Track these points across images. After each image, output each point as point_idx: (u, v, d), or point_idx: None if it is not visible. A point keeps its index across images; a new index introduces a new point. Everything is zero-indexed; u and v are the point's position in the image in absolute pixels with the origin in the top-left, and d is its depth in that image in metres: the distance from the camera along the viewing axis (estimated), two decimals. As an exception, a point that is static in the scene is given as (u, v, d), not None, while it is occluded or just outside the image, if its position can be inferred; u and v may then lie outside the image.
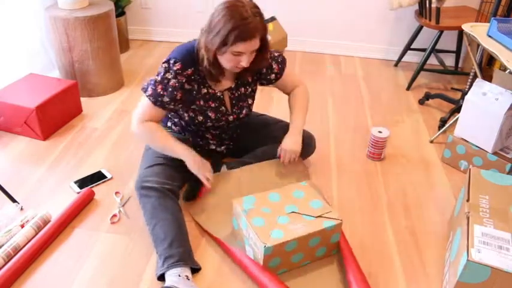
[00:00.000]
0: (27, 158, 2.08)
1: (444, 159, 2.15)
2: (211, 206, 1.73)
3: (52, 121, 2.25)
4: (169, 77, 1.60)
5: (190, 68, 1.61)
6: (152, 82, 1.64)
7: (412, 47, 3.04)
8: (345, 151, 2.21)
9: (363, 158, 2.17)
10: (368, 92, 2.82)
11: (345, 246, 1.56)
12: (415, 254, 1.64)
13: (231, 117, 1.78)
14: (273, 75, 1.80)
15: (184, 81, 1.61)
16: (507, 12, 2.61)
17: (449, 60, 3.19)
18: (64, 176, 1.97)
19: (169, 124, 1.87)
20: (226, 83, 1.72)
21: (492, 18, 1.97)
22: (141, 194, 1.59)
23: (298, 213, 1.54)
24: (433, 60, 3.18)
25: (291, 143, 1.78)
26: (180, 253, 1.46)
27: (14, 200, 1.79)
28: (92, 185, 1.91)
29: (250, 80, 1.78)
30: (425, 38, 3.07)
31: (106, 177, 1.96)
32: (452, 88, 2.87)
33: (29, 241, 1.61)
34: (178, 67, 1.59)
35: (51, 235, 1.62)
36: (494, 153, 1.96)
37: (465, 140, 2.04)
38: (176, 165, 1.69)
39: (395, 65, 3.20)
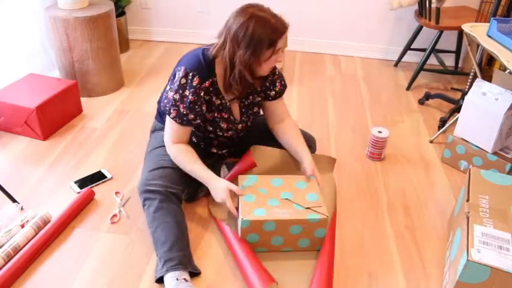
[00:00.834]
0: (27, 158, 2.08)
1: (444, 159, 2.15)
2: None
3: (52, 121, 2.25)
4: (188, 94, 1.57)
5: (208, 80, 1.59)
6: (172, 101, 1.59)
7: (412, 47, 3.04)
8: (345, 151, 2.21)
9: (363, 158, 2.17)
10: (368, 92, 2.82)
11: (327, 245, 1.57)
12: (415, 254, 1.64)
13: (240, 125, 1.78)
14: (273, 93, 1.77)
15: (203, 94, 1.60)
16: (507, 12, 2.61)
17: (449, 60, 3.19)
18: (64, 176, 1.97)
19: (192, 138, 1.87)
20: (236, 91, 1.68)
21: (492, 18, 1.97)
22: (145, 197, 1.59)
23: (291, 201, 1.57)
24: (433, 60, 3.18)
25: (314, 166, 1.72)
26: (180, 257, 1.46)
27: (14, 200, 1.79)
28: (92, 185, 1.91)
29: (258, 89, 1.75)
30: (425, 38, 3.07)
31: (106, 177, 1.96)
32: (452, 88, 2.87)
33: (29, 241, 1.61)
34: (196, 82, 1.56)
35: (51, 235, 1.62)
36: (494, 153, 1.96)
37: (465, 140, 2.04)
38: (180, 169, 1.69)
39: (395, 65, 3.20)
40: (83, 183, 1.92)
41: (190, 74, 1.56)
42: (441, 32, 2.67)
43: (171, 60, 3.16)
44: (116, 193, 1.88)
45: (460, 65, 3.14)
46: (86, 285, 1.48)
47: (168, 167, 1.66)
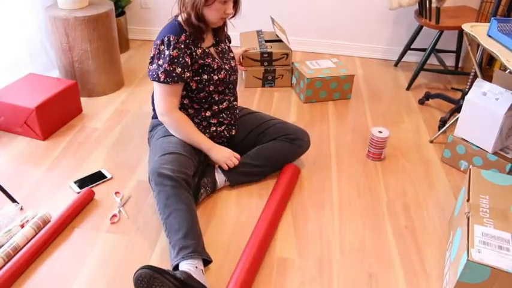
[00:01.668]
0: (27, 158, 2.08)
1: (444, 159, 2.15)
2: None
3: (52, 121, 2.25)
4: (170, 52, 1.69)
5: (182, 34, 1.71)
6: (156, 68, 1.72)
7: (412, 47, 3.04)
8: (345, 151, 2.21)
9: (363, 158, 2.17)
10: (368, 92, 2.82)
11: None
12: (415, 254, 1.64)
13: (226, 66, 1.87)
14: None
15: (183, 47, 1.71)
16: (507, 12, 2.61)
17: (449, 60, 3.19)
18: (64, 176, 1.97)
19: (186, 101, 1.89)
20: (209, 41, 1.84)
21: (492, 18, 1.96)
22: (156, 181, 1.59)
23: None
24: (433, 60, 3.18)
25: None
26: (194, 244, 1.47)
27: (13, 200, 1.79)
28: (92, 185, 1.91)
29: (222, 38, 1.91)
30: (425, 38, 3.07)
31: (106, 177, 1.96)
32: (452, 88, 2.87)
33: (29, 241, 1.61)
34: (172, 39, 1.69)
35: (51, 235, 1.62)
36: (494, 153, 1.95)
37: (465, 140, 2.04)
38: (185, 154, 1.70)
39: (395, 65, 3.20)
40: (82, 183, 1.92)
41: (166, 38, 1.70)
42: (441, 32, 2.67)
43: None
44: (116, 193, 1.88)
45: (460, 65, 3.14)
46: (86, 285, 1.48)
47: (177, 153, 1.68)
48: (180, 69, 1.71)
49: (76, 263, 1.55)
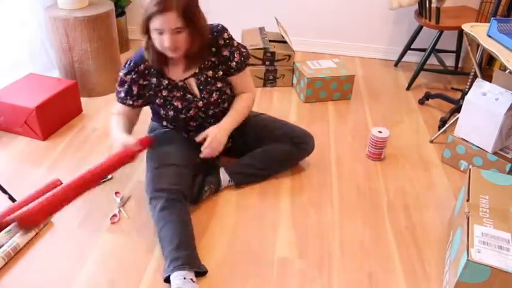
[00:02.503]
0: (27, 158, 2.08)
1: (444, 159, 2.15)
2: None
3: (52, 121, 2.25)
4: (122, 75, 1.71)
5: (143, 63, 1.69)
6: (117, 87, 1.75)
7: (412, 47, 3.04)
8: (345, 151, 2.21)
9: (363, 158, 2.17)
10: (368, 92, 2.82)
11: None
12: (415, 254, 1.64)
13: (200, 102, 1.76)
14: (233, 63, 1.77)
15: (137, 77, 1.70)
16: (507, 12, 2.61)
17: (449, 60, 3.19)
18: (64, 176, 1.96)
19: (164, 123, 1.88)
20: (191, 70, 1.72)
21: (492, 18, 1.96)
22: (152, 194, 1.60)
23: None
24: (433, 60, 3.17)
25: (216, 136, 1.71)
26: (185, 256, 1.46)
27: (13, 200, 1.79)
28: (92, 185, 1.91)
29: (216, 63, 1.75)
30: (425, 38, 3.07)
31: (106, 177, 1.96)
32: (452, 88, 2.87)
33: (29, 241, 1.61)
34: (130, 64, 1.69)
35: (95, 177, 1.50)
36: (494, 153, 1.95)
37: (465, 140, 2.04)
38: (182, 165, 1.70)
39: (395, 65, 3.20)
40: (82, 183, 1.91)
41: (128, 62, 1.71)
42: (441, 32, 2.67)
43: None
44: (116, 193, 1.88)
45: (460, 65, 3.14)
46: (86, 285, 1.48)
47: (174, 165, 1.68)
48: (123, 94, 1.74)
49: (76, 263, 1.55)
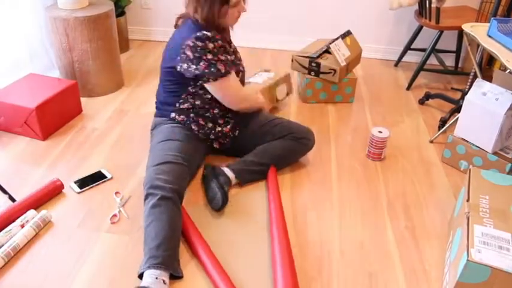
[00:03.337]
0: (27, 157, 2.08)
1: (444, 159, 2.15)
2: None
3: (52, 121, 2.25)
4: (216, 44, 1.72)
5: (215, 32, 1.74)
6: (211, 63, 1.73)
7: (412, 47, 3.04)
8: (345, 151, 2.21)
9: (363, 158, 2.17)
10: (368, 92, 2.82)
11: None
12: (415, 254, 1.64)
13: (243, 65, 1.96)
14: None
15: (221, 41, 1.75)
16: (507, 12, 2.61)
17: (449, 60, 3.19)
18: (64, 176, 1.97)
19: (172, 115, 1.88)
20: (228, 35, 1.91)
21: (492, 18, 1.97)
22: (148, 191, 1.60)
23: None
24: (433, 60, 3.18)
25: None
26: (164, 256, 1.45)
27: (13, 200, 1.79)
28: (92, 185, 1.91)
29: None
30: (425, 38, 3.07)
31: (106, 177, 1.96)
32: (452, 88, 2.87)
33: (29, 241, 1.61)
34: (212, 34, 1.71)
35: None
36: (494, 153, 1.95)
37: (465, 140, 2.04)
38: (184, 163, 1.70)
39: (396, 65, 3.20)
40: (83, 183, 1.92)
41: (203, 34, 1.70)
42: (441, 32, 2.67)
43: (171, 60, 3.16)
44: (116, 193, 1.88)
45: (460, 65, 3.14)
46: (86, 285, 1.48)
47: (173, 162, 1.68)
48: (233, 57, 1.82)
49: (76, 263, 1.55)
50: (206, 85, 1.79)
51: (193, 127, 1.87)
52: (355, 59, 2.67)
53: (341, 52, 2.57)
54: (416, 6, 2.94)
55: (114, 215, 1.76)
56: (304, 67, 2.59)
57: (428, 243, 1.69)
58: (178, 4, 3.30)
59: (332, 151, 2.21)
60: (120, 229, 1.70)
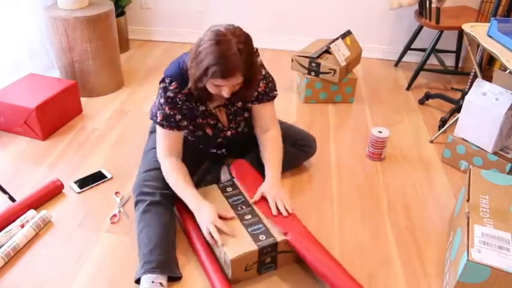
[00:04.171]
0: (27, 157, 2.08)
1: (444, 159, 2.15)
2: None
3: (52, 121, 2.25)
4: (171, 95, 1.57)
5: (186, 87, 1.56)
6: (157, 105, 1.61)
7: (412, 47, 3.04)
8: (345, 151, 2.21)
9: (363, 158, 2.17)
10: (368, 92, 2.82)
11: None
12: (415, 254, 1.64)
13: (229, 132, 1.77)
14: (255, 93, 1.71)
15: (184, 99, 1.59)
16: (507, 12, 2.61)
17: (449, 60, 3.19)
18: (64, 176, 1.97)
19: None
20: (222, 99, 1.67)
21: (492, 18, 1.96)
22: (137, 197, 1.60)
23: None
24: (433, 60, 3.18)
25: (278, 190, 1.62)
26: (159, 260, 1.45)
27: (13, 200, 1.79)
28: (92, 185, 1.91)
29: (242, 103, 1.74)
30: (425, 38, 3.07)
31: (106, 177, 1.96)
32: (452, 88, 2.86)
33: (29, 241, 1.61)
34: (174, 87, 1.57)
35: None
36: (494, 153, 1.95)
37: (465, 140, 2.04)
38: None
39: (396, 65, 3.20)
40: (83, 183, 1.92)
41: (168, 80, 1.57)
42: (441, 32, 2.67)
43: (171, 60, 3.15)
44: (116, 193, 1.88)
45: (460, 65, 3.14)
46: (85, 285, 1.48)
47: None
48: (179, 117, 1.60)
49: (76, 263, 1.55)
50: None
51: (189, 138, 1.85)
52: (355, 59, 2.66)
53: (341, 52, 2.57)
54: (416, 6, 2.93)
55: (114, 215, 1.76)
56: (304, 67, 2.59)
57: (428, 243, 1.69)
58: (178, 4, 3.30)
59: (332, 151, 2.21)
60: (120, 229, 1.70)
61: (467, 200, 1.51)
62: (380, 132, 2.09)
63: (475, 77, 2.20)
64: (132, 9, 3.40)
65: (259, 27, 3.29)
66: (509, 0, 2.58)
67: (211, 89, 1.50)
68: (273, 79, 1.78)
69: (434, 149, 2.26)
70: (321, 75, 2.55)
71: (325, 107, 2.61)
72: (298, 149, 1.94)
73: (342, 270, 1.39)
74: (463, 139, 2.05)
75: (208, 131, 1.73)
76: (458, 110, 2.39)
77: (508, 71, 1.93)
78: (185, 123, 1.63)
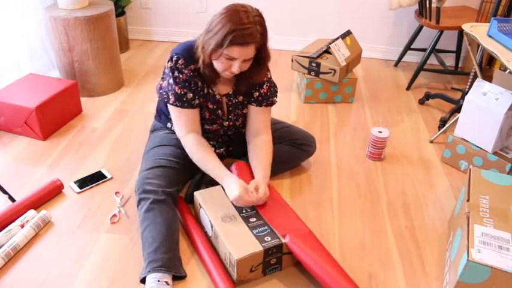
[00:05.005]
0: (27, 158, 2.08)
1: (444, 159, 2.15)
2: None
3: (52, 121, 2.25)
4: (179, 74, 1.62)
5: (193, 64, 1.61)
6: (167, 87, 1.64)
7: (412, 47, 3.04)
8: (345, 151, 2.21)
9: (363, 158, 2.17)
10: (368, 92, 2.82)
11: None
12: (415, 254, 1.64)
13: (226, 123, 1.78)
14: (257, 94, 1.74)
15: (191, 75, 1.62)
16: (507, 12, 2.61)
17: (449, 60, 3.19)
18: (64, 176, 1.97)
19: (169, 125, 1.86)
20: (225, 88, 1.72)
21: (492, 18, 1.97)
22: (140, 197, 1.59)
23: None
24: (433, 60, 3.18)
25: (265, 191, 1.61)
26: (164, 259, 1.45)
27: (13, 200, 1.79)
28: (92, 185, 1.91)
29: (246, 90, 1.75)
30: (425, 38, 3.07)
31: (106, 177, 1.96)
32: (452, 88, 2.87)
33: (29, 241, 1.61)
34: (181, 63, 1.60)
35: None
36: (494, 153, 1.96)
37: (465, 140, 2.04)
38: (177, 167, 1.69)
39: (395, 65, 3.20)
40: (82, 183, 1.92)
41: (175, 57, 1.60)
42: (441, 32, 2.67)
43: (171, 60, 3.16)
44: (116, 193, 1.88)
45: (460, 65, 3.14)
46: (85, 285, 1.48)
47: (166, 166, 1.67)
48: (191, 95, 1.64)
49: (76, 263, 1.55)
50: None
51: None
52: (355, 59, 2.66)
53: (341, 52, 2.56)
54: (416, 6, 2.94)
55: (114, 215, 1.76)
56: (304, 67, 2.59)
57: (428, 243, 1.69)
58: (178, 4, 3.30)
59: (332, 151, 2.21)
60: (120, 229, 1.70)
61: (467, 200, 1.51)
62: (380, 132, 2.10)
63: (475, 77, 2.20)
64: (132, 9, 3.40)
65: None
66: (509, 0, 2.58)
67: (222, 64, 1.53)
68: (275, 85, 1.80)
69: (434, 149, 2.26)
70: (321, 75, 2.55)
71: (325, 107, 2.61)
72: (297, 148, 1.95)
73: (342, 274, 1.38)
74: (463, 139, 2.05)
75: (207, 114, 1.74)
76: (458, 110, 2.39)
77: (508, 71, 1.93)
78: (197, 101, 1.67)
